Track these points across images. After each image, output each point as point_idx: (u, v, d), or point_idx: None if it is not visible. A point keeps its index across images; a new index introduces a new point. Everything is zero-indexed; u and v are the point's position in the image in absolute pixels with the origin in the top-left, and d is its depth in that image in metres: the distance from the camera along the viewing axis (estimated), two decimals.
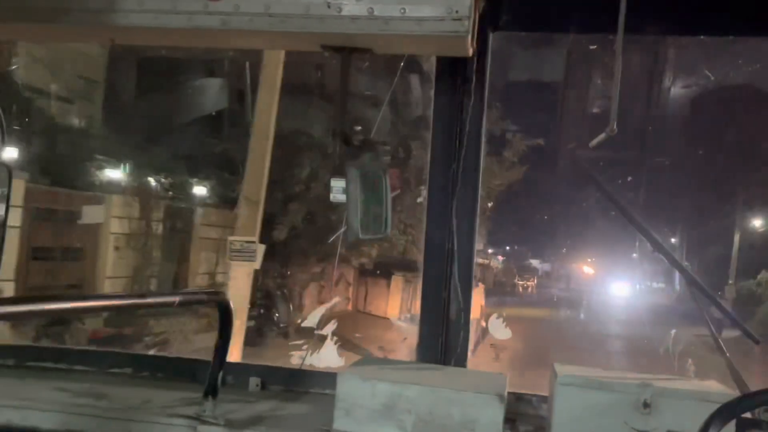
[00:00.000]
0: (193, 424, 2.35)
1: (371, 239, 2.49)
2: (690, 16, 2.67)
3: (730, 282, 18.64)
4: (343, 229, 2.46)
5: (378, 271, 19.97)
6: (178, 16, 2.29)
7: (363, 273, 20.46)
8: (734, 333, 2.89)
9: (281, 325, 15.33)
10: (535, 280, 33.61)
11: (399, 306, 20.52)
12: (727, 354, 2.64)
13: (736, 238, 18.98)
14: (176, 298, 2.15)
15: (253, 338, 11.08)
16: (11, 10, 2.34)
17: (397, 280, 20.74)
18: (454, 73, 2.71)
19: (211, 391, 2.37)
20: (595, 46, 2.88)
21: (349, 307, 21.69)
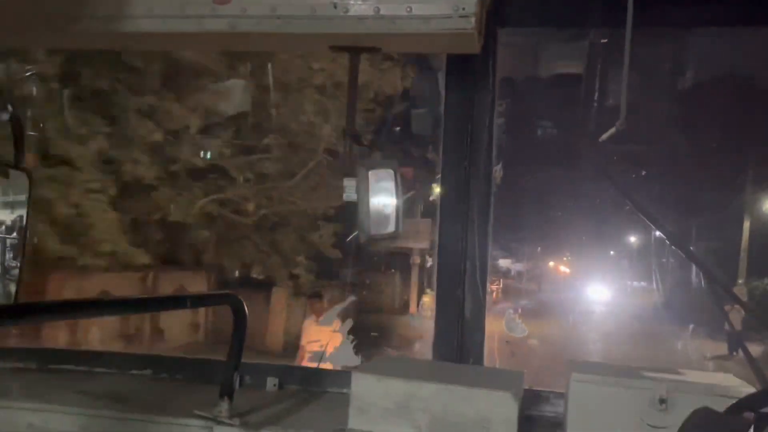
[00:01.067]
0: (209, 425, 2.37)
1: (381, 238, 2.50)
2: (701, 7, 2.64)
3: (740, 282, 15.39)
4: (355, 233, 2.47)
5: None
6: (186, 21, 2.30)
7: (228, 284, 15.03)
8: None
9: None
10: (501, 283, 29.64)
11: (282, 331, 15.35)
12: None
13: (746, 226, 15.59)
14: (192, 299, 2.17)
15: None
16: (22, 17, 2.37)
17: (279, 294, 15.50)
18: (463, 70, 2.71)
19: (227, 392, 2.39)
20: (606, 40, 2.86)
21: (200, 335, 15.91)
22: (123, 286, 13.33)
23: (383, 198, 2.47)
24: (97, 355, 3.21)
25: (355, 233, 2.47)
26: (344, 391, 2.74)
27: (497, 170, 2.89)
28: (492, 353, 2.93)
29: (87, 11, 2.37)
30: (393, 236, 2.56)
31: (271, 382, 2.88)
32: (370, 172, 2.40)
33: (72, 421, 2.51)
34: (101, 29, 2.37)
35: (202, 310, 15.17)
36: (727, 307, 2.85)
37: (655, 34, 3.08)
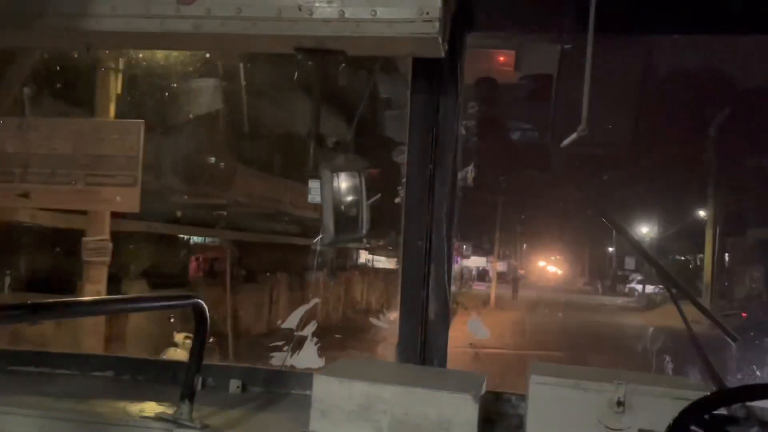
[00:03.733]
0: (169, 428, 2.35)
1: (346, 241, 2.50)
2: (664, 15, 2.69)
3: None
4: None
5: None
6: (150, 21, 2.30)
7: None
8: None
9: None
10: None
11: None
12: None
13: None
14: (151, 302, 2.16)
15: None
16: None
17: None
18: (429, 73, 2.72)
19: (188, 394, 2.37)
20: (569, 46, 2.89)
21: None
22: None
23: (348, 200, 2.47)
24: (58, 356, 3.17)
25: (320, 236, 2.47)
26: (308, 393, 2.73)
27: (469, 171, 2.91)
28: None
29: (51, 8, 2.35)
30: (358, 239, 2.57)
31: (235, 384, 2.86)
32: (334, 175, 2.41)
33: (32, 423, 2.48)
34: (65, 27, 2.35)
35: None
36: None
37: (621, 40, 3.13)
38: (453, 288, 2.85)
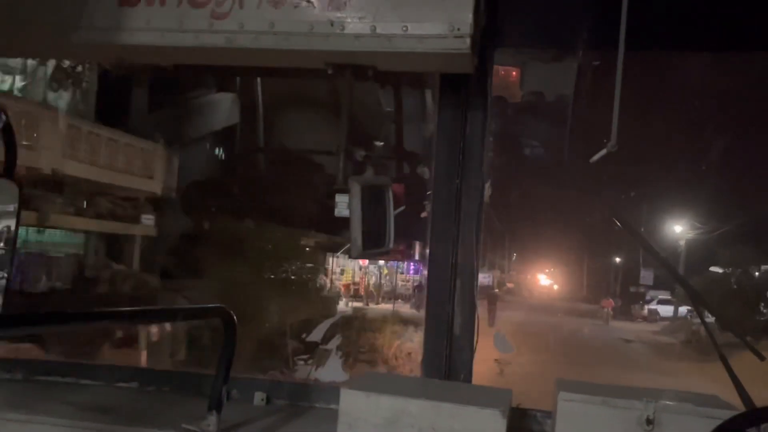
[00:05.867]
0: None
1: (374, 254, 2.51)
2: (693, 31, 2.69)
3: None
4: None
5: None
6: (184, 35, 2.33)
7: None
8: None
9: None
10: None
11: None
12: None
13: None
14: (179, 313, 2.17)
15: None
16: (19, 26, 2.39)
17: None
18: (457, 89, 2.73)
19: (215, 405, 2.38)
20: (598, 62, 2.90)
21: None
22: None
23: (375, 213, 2.49)
24: (83, 366, 3.19)
25: (347, 246, 2.48)
26: (332, 406, 2.73)
27: (486, 188, 2.91)
28: None
29: (85, 22, 2.39)
30: (385, 252, 2.58)
31: (259, 397, 2.87)
32: (362, 188, 2.43)
33: None
34: (99, 41, 2.38)
35: None
36: None
37: (648, 57, 3.13)
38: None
